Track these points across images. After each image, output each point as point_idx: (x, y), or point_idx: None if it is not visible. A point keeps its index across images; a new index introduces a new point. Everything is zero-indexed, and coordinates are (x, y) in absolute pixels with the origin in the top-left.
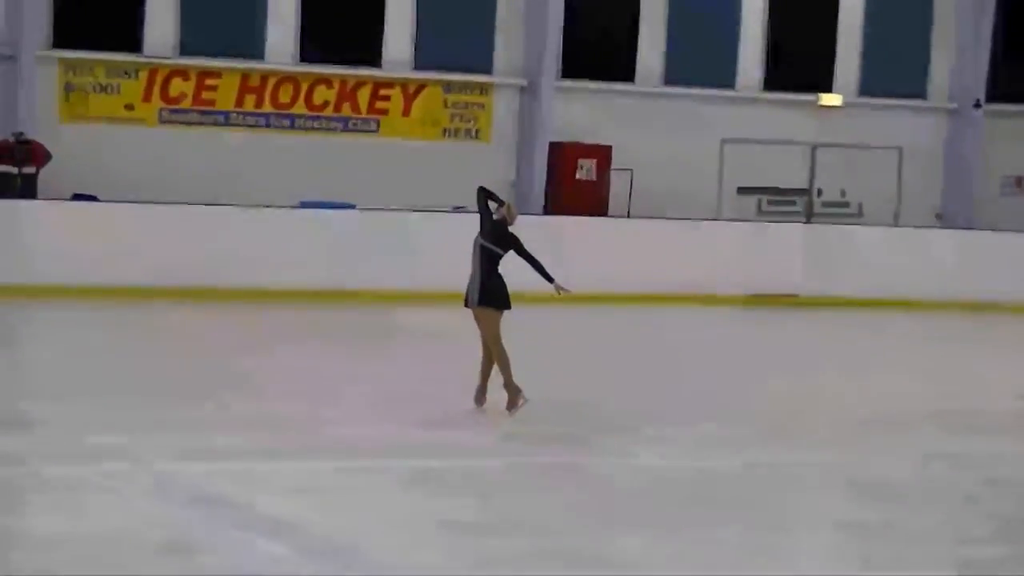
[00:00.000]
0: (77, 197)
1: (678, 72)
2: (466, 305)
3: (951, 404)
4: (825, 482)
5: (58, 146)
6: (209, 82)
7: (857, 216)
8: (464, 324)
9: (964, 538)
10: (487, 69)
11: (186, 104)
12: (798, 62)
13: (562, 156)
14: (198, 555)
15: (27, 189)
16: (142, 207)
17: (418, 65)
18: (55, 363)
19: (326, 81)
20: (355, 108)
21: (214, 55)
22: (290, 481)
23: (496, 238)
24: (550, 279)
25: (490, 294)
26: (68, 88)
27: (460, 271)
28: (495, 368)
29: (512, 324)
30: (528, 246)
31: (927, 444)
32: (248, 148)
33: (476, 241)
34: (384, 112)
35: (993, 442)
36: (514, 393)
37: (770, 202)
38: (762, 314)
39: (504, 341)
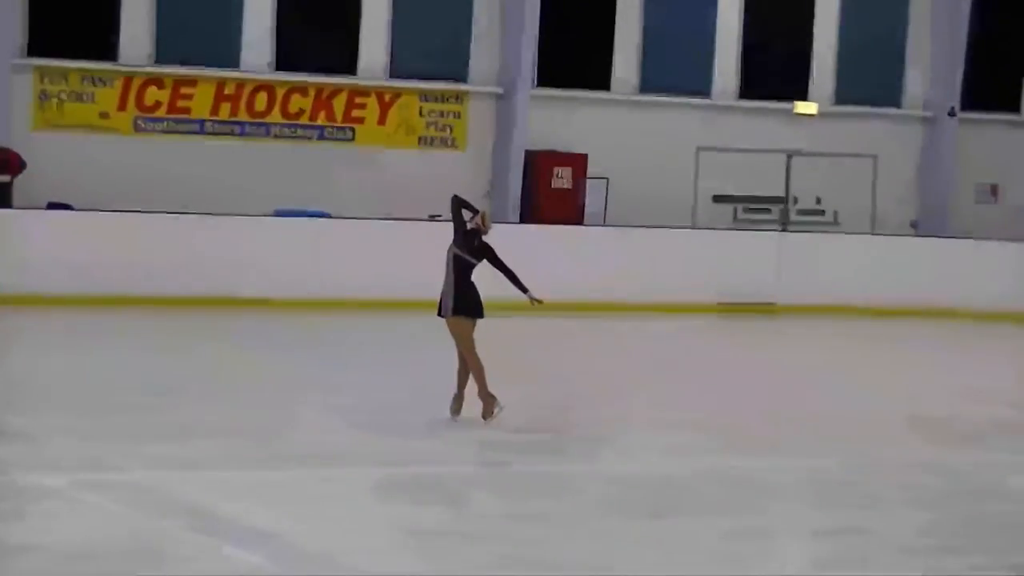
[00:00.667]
0: (52, 206)
1: (653, 80)
2: (440, 314)
3: (927, 412)
4: (800, 489)
5: (33, 155)
6: (184, 90)
7: (832, 224)
8: (439, 333)
9: (942, 546)
10: (463, 78)
11: (161, 112)
12: (773, 70)
13: (538, 164)
14: (172, 564)
15: (1, 198)
16: (117, 215)
17: (394, 73)
18: (30, 372)
19: (301, 89)
20: (331, 116)
21: (189, 63)
22: (265, 489)
23: (470, 248)
24: (524, 289)
25: (463, 303)
26: (42, 96)
27: (435, 280)
28: (471, 377)
29: (486, 333)
30: (503, 255)
31: (905, 451)
32: (223, 156)
33: (450, 250)
34: (360, 121)
35: (970, 450)
36: (489, 401)
37: (746, 210)
38: (737, 322)
39: (478, 350)
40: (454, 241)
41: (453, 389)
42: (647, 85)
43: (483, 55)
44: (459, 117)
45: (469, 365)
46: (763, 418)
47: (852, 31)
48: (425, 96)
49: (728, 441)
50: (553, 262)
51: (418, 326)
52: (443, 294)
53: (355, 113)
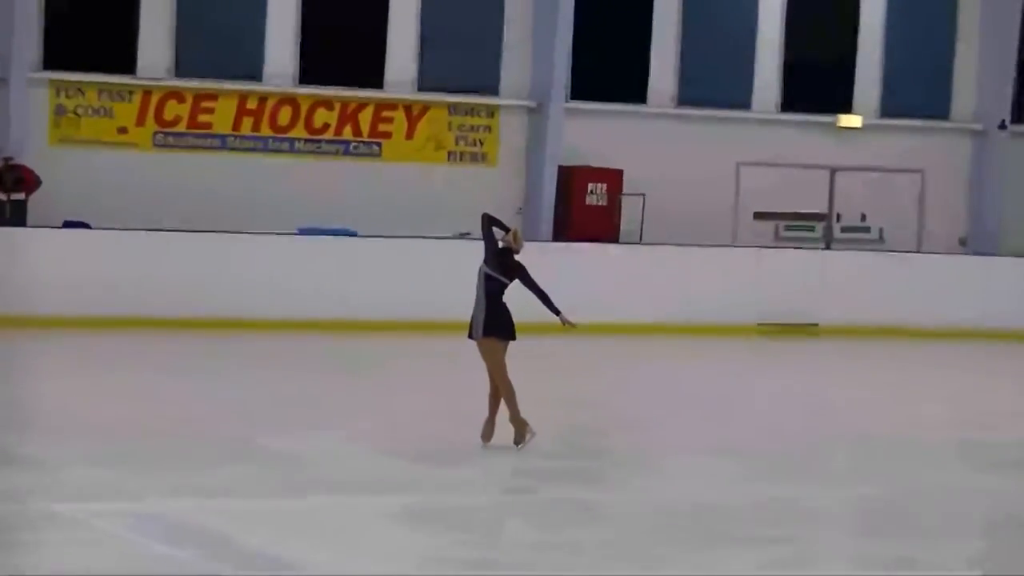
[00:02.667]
0: (68, 224)
1: (692, 93)
2: (470, 336)
3: (975, 436)
4: (845, 518)
5: (48, 171)
6: (205, 104)
7: (878, 241)
8: (469, 355)
9: (987, 574)
10: (494, 90)
11: (181, 127)
12: (816, 82)
13: (572, 180)
14: None
15: (17, 216)
16: (136, 234)
17: (422, 86)
18: (44, 396)
19: (326, 103)
20: (356, 131)
21: (210, 76)
22: (285, 518)
23: (501, 267)
24: (556, 311)
25: (495, 324)
26: (59, 111)
27: (465, 300)
28: (503, 401)
29: (518, 355)
30: (535, 274)
31: (949, 477)
32: (245, 173)
33: (480, 270)
34: (387, 135)
35: (1017, 476)
36: (521, 427)
37: (788, 227)
38: (779, 344)
39: (509, 373)
40: (485, 260)
41: (484, 414)
42: (685, 98)
43: (515, 67)
44: (490, 131)
45: (500, 389)
46: (805, 444)
47: (898, 41)
48: (454, 110)
49: (769, 468)
50: (587, 281)
51: (447, 348)
52: (474, 315)
53: (382, 128)
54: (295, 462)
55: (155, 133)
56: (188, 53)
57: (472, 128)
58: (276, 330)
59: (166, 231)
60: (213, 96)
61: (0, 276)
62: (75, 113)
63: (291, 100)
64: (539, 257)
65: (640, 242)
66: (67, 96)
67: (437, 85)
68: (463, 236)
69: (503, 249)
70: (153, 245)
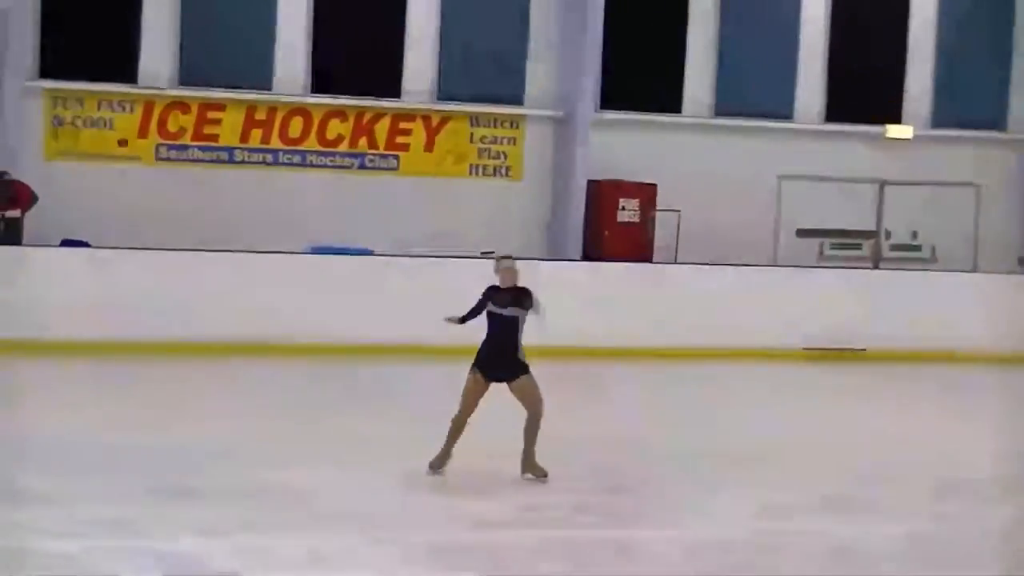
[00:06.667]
0: (66, 243)
1: (730, 102)
2: (498, 380)
3: None
4: (894, 556)
5: (45, 187)
6: (211, 115)
7: (930, 261)
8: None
9: None
10: (518, 100)
11: (186, 140)
12: (863, 89)
13: (602, 196)
14: None
15: (11, 234)
16: (138, 253)
17: (441, 96)
18: (46, 427)
19: (340, 114)
20: (372, 143)
21: (217, 85)
22: (303, 557)
23: (511, 299)
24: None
25: (522, 360)
26: (56, 122)
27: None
28: (538, 431)
29: (547, 382)
30: (564, 296)
31: (1009, 515)
32: (254, 188)
33: (490, 314)
34: (404, 148)
35: None
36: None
37: (833, 245)
38: (825, 371)
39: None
40: (492, 302)
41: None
42: (723, 107)
43: (540, 74)
44: (514, 143)
45: (539, 420)
46: (856, 478)
47: (951, 45)
48: (476, 120)
49: (820, 504)
50: (619, 303)
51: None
52: (491, 359)
53: (399, 139)
54: (312, 497)
55: (158, 146)
56: (193, 60)
57: (495, 140)
58: (287, 355)
59: (169, 250)
60: (220, 106)
61: None
62: (73, 125)
63: (303, 110)
64: (567, 277)
65: (675, 261)
66: (64, 107)
67: (458, 94)
68: (486, 255)
69: (496, 287)
70: (156, 265)
